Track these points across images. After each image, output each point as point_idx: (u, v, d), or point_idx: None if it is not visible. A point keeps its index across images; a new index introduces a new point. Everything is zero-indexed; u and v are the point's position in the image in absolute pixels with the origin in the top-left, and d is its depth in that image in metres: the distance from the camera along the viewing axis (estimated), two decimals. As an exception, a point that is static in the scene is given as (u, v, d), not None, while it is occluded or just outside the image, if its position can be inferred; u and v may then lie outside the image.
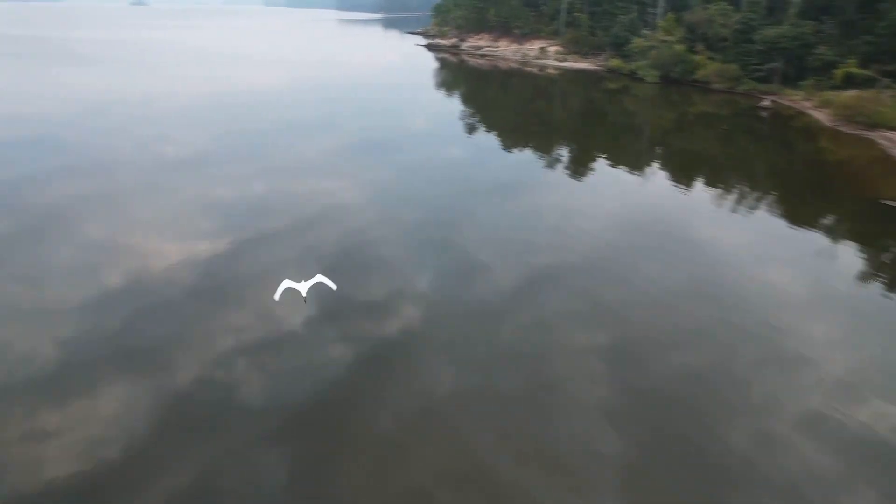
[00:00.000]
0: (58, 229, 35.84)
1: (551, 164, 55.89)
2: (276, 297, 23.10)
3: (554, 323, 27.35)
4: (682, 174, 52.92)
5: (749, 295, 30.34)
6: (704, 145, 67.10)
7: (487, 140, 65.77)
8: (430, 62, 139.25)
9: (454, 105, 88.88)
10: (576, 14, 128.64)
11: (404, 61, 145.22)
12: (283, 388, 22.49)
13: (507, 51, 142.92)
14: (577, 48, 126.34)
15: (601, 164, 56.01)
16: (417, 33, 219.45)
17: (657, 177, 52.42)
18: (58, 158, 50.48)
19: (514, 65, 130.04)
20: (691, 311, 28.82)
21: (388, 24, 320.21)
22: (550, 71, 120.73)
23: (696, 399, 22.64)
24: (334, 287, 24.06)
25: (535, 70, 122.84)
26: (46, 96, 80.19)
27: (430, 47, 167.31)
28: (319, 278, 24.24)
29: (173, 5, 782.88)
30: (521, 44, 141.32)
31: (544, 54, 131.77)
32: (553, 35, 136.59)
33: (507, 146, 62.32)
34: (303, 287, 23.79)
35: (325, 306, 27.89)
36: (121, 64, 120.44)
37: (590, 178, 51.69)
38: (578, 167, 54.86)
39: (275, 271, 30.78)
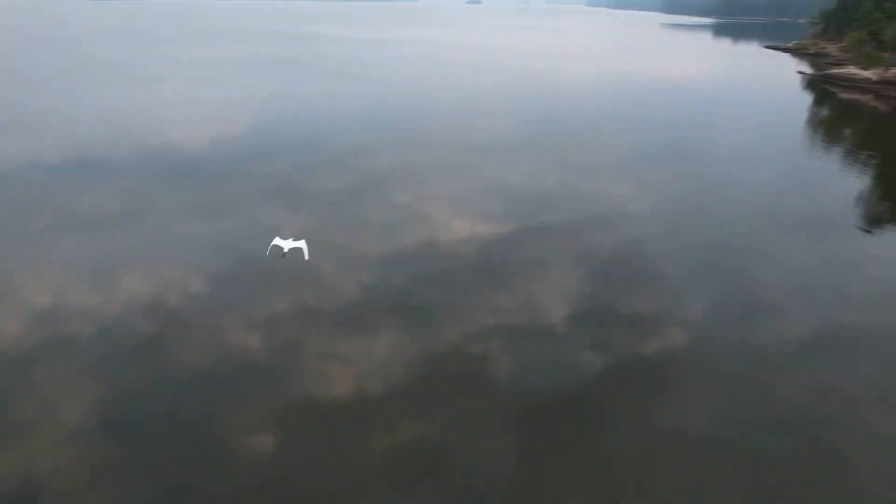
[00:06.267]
0: (377, 191, 42.52)
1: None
2: (267, 252, 26.95)
3: (852, 398, 22.20)
4: None
5: None
6: None
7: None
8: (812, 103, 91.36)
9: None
10: None
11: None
12: (529, 376, 22.92)
13: None
14: None
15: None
16: (784, 49, 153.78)
17: None
18: (385, 132, 59.92)
19: None
20: None
21: (723, 31, 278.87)
22: None
23: None
24: (306, 257, 26.58)
25: None
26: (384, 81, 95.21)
27: (825, 79, 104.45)
28: (303, 244, 26.78)
29: (503, 3, 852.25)
30: None
31: None
32: None
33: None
34: (286, 244, 26.82)
35: (587, 309, 27.55)
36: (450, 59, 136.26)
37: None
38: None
39: (547, 264, 31.68)
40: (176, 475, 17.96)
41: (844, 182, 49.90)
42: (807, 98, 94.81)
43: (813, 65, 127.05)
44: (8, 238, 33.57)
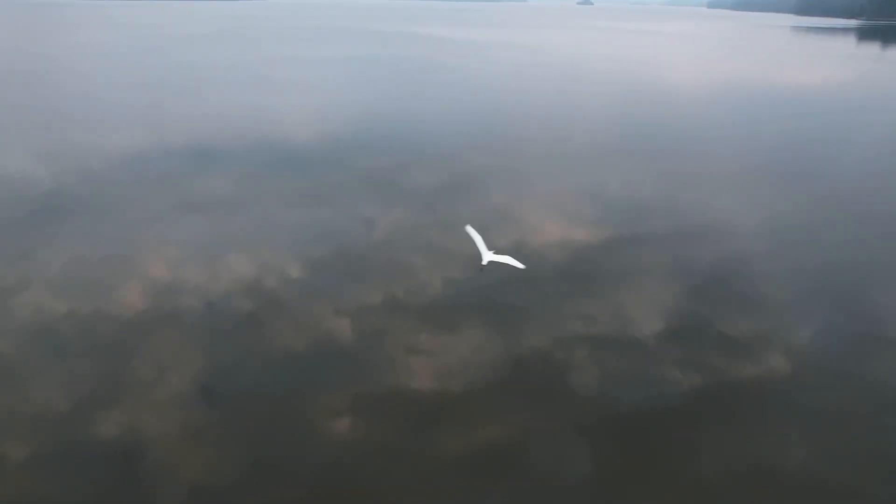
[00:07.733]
0: (471, 192, 42.88)
1: None
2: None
3: None
4: None
5: None
6: None
7: None
8: None
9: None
10: None
11: None
12: (614, 388, 22.21)
13: None
14: None
15: None
16: None
17: None
18: (482, 135, 60.22)
19: None
20: None
21: (874, 35, 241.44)
22: None
23: None
24: (522, 266, 24.83)
25: None
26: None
27: None
28: (508, 259, 25.35)
29: (616, 4, 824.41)
30: None
31: None
32: None
33: None
34: (486, 257, 25.39)
35: (680, 325, 26.21)
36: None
37: None
38: None
39: (640, 274, 30.49)
40: (261, 447, 19.13)
41: None
42: None
43: None
44: (135, 218, 37.10)
